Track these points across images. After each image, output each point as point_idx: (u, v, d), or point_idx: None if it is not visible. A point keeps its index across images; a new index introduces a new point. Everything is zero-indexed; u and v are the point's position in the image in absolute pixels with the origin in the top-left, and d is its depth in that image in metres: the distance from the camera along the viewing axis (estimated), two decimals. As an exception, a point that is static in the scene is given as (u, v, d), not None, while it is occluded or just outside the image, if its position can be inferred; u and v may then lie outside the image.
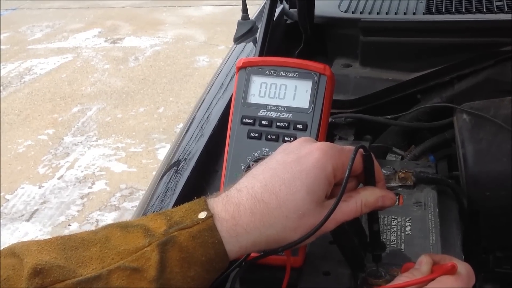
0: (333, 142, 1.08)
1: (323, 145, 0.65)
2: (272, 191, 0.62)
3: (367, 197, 0.67)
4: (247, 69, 0.80)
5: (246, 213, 0.61)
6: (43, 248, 0.57)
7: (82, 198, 3.29)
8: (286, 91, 0.78)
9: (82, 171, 3.56)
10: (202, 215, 0.60)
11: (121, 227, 0.60)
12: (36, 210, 3.22)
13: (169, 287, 0.57)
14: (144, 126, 4.05)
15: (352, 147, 0.66)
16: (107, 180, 3.44)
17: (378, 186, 0.70)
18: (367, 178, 0.69)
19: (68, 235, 0.60)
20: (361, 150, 0.66)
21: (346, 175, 0.63)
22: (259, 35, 1.22)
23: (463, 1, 1.35)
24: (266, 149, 0.76)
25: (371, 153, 0.68)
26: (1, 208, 3.23)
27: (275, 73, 0.79)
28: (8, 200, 3.31)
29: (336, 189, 0.65)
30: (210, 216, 0.60)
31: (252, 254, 0.68)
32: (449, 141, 1.12)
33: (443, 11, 1.32)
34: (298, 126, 0.76)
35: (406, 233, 0.84)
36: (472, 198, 0.96)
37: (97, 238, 0.59)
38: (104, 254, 0.57)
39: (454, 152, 1.07)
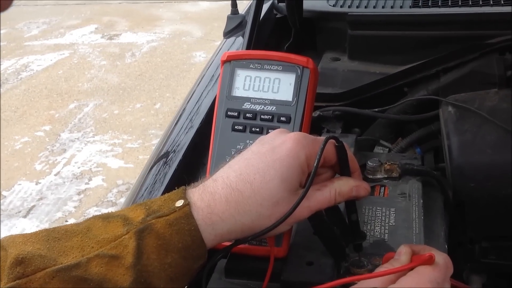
0: (320, 135, 1.10)
1: (296, 134, 0.67)
2: (247, 180, 0.63)
3: (341, 187, 0.68)
4: (231, 62, 0.81)
5: (221, 201, 0.62)
6: (27, 240, 0.59)
7: (79, 194, 3.31)
8: (270, 84, 0.79)
9: (79, 167, 3.57)
10: (179, 203, 0.62)
11: (103, 218, 0.62)
12: (33, 206, 3.23)
13: (147, 274, 0.58)
14: (141, 122, 4.06)
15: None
16: (104, 176, 3.46)
17: (354, 176, 0.71)
18: (341, 168, 0.70)
19: (53, 228, 0.62)
20: (333, 141, 0.68)
21: (315, 164, 0.65)
22: (246, 29, 1.23)
23: (449, -5, 1.36)
24: (251, 142, 0.77)
25: (344, 144, 0.69)
26: (-2, 204, 3.25)
27: (259, 66, 0.79)
28: (5, 196, 3.32)
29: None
30: (187, 204, 0.62)
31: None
32: (435, 133, 1.13)
33: (430, 4, 1.33)
34: (282, 118, 0.77)
35: (390, 223, 0.85)
36: (457, 189, 0.97)
37: (79, 229, 0.61)
38: (85, 243, 0.59)
39: (440, 144, 1.08)
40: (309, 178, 0.65)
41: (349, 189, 0.69)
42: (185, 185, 0.66)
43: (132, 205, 0.64)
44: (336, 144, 0.68)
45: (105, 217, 0.62)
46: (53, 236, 0.60)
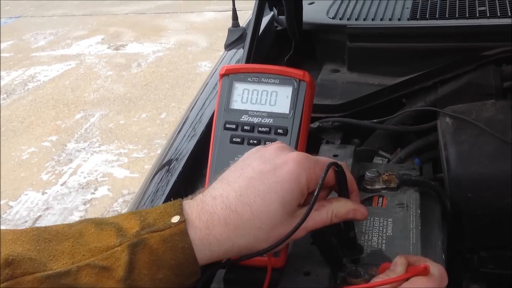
0: (320, 146, 1.11)
1: (298, 156, 0.66)
2: (247, 202, 0.62)
3: (338, 208, 0.68)
4: (229, 76, 0.82)
5: (220, 223, 0.62)
6: (17, 238, 0.59)
7: (85, 204, 3.32)
8: (267, 97, 0.80)
9: (85, 177, 3.59)
10: (175, 219, 0.61)
11: (96, 223, 0.61)
12: (40, 216, 3.24)
13: None
14: (147, 132, 4.08)
15: (327, 159, 0.68)
16: (110, 185, 3.47)
17: (352, 197, 0.71)
18: (340, 190, 0.71)
19: (44, 227, 0.61)
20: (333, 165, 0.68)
21: (315, 194, 0.64)
22: (245, 42, 1.25)
23: (447, 7, 1.37)
24: None
25: (343, 167, 0.69)
26: (5, 215, 3.27)
27: (256, 79, 0.80)
28: (11, 206, 3.34)
29: (308, 197, 0.66)
30: (183, 221, 0.61)
31: None
32: (433, 144, 1.14)
33: (427, 17, 1.34)
34: (279, 131, 0.78)
35: (387, 234, 0.86)
36: (454, 200, 0.98)
37: (71, 232, 0.60)
38: (76, 249, 0.58)
39: (439, 154, 1.09)
40: (311, 198, 0.65)
41: (346, 211, 0.69)
42: (182, 197, 0.66)
43: (126, 213, 0.64)
44: (336, 169, 0.68)
45: (98, 223, 0.61)
46: (43, 236, 0.59)
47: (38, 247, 0.58)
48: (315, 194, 0.64)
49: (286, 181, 0.63)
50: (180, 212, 0.62)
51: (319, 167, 0.66)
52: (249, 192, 0.63)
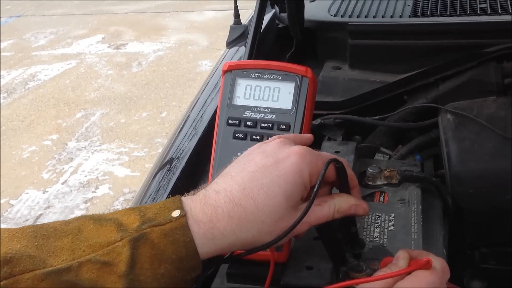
0: (321, 143, 1.11)
1: (301, 149, 0.66)
2: (250, 196, 0.63)
3: (340, 204, 0.69)
4: (232, 72, 0.82)
5: (224, 216, 0.62)
6: (14, 235, 0.58)
7: (85, 202, 3.33)
8: (270, 93, 0.80)
9: (85, 176, 3.59)
10: (176, 213, 0.61)
11: (94, 219, 0.61)
12: (41, 215, 3.25)
13: (139, 283, 0.58)
14: (147, 131, 4.08)
15: (329, 154, 0.69)
16: (111, 184, 3.48)
17: (353, 193, 0.72)
18: (341, 186, 0.71)
19: (41, 224, 0.60)
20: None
21: (315, 189, 0.65)
22: (248, 39, 1.25)
23: (448, 4, 1.37)
24: None
25: (344, 163, 0.70)
26: (6, 213, 3.27)
27: (259, 75, 0.81)
28: (12, 205, 3.35)
29: (311, 192, 0.66)
30: (184, 215, 0.61)
31: None
32: (435, 140, 1.14)
33: (429, 14, 1.34)
34: (282, 126, 0.78)
35: (389, 229, 0.86)
36: (455, 196, 0.98)
37: (69, 229, 0.59)
38: (76, 245, 0.58)
39: (440, 151, 1.09)
40: (310, 197, 0.65)
41: (348, 207, 0.69)
42: (183, 193, 0.65)
43: (124, 209, 0.63)
44: (336, 165, 0.69)
45: (97, 219, 0.61)
46: (41, 233, 0.58)
47: (36, 244, 0.57)
48: (315, 189, 0.65)
49: (289, 174, 0.64)
50: (180, 206, 0.62)
51: (321, 161, 0.66)
52: (253, 185, 0.63)
